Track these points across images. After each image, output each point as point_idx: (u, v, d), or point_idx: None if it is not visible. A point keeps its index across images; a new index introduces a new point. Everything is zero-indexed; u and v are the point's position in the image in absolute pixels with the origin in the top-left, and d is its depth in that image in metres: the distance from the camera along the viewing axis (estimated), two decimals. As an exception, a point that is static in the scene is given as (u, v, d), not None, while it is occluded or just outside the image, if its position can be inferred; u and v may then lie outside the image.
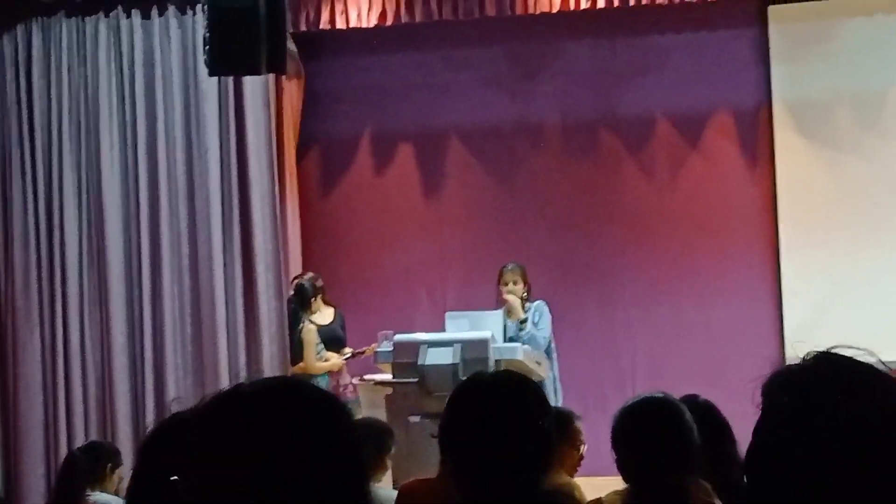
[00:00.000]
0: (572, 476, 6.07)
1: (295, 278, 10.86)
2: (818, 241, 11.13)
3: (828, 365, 1.71)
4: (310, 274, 10.87)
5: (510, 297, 10.00)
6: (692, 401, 4.79)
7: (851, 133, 11.21)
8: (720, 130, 11.58)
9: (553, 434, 2.72)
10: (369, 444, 5.61)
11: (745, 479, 1.74)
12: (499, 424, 2.68)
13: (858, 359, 1.74)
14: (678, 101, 11.61)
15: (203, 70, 9.97)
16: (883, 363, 1.75)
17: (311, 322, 10.58)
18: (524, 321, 9.90)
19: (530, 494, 2.63)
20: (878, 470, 1.60)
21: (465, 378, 2.86)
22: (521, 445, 2.64)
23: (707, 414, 4.65)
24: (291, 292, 10.77)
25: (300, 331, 10.53)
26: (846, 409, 1.64)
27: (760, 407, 1.75)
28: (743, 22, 11.53)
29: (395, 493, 5.52)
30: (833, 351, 1.75)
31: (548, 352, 9.94)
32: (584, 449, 6.15)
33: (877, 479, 1.60)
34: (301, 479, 1.70)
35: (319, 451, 1.73)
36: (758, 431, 1.71)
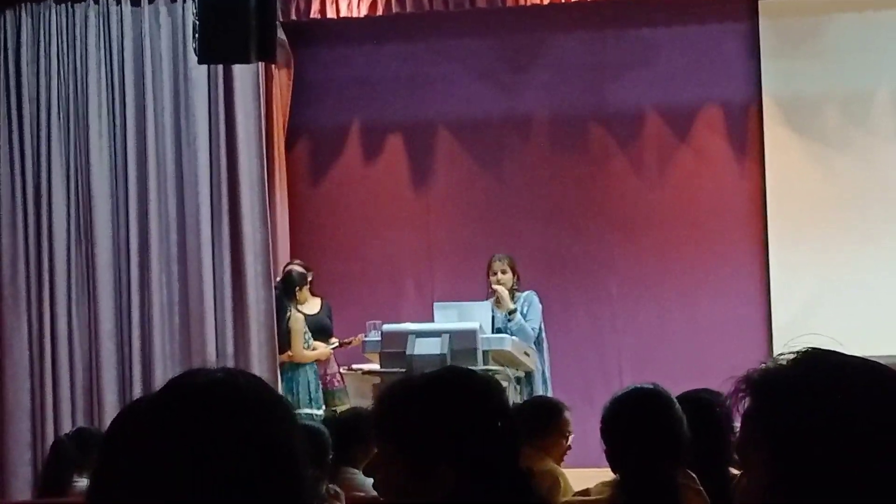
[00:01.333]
0: (559, 464, 6.11)
1: (287, 265, 10.87)
2: (807, 237, 11.16)
3: (817, 360, 1.71)
4: (299, 263, 10.88)
5: (499, 288, 10.00)
6: (696, 396, 4.80)
7: (841, 129, 11.23)
8: (710, 125, 11.60)
9: (513, 432, 2.64)
10: (320, 441, 5.62)
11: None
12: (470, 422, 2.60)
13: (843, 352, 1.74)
14: (668, 95, 11.62)
15: (192, 58, 9.96)
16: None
17: (299, 311, 10.59)
18: (513, 312, 9.90)
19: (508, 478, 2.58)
20: (877, 464, 1.60)
21: (389, 389, 2.71)
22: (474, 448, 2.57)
23: (710, 410, 4.68)
24: (279, 279, 10.78)
25: (287, 319, 10.54)
26: (839, 404, 1.64)
27: (742, 400, 1.73)
28: (733, 16, 11.54)
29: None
30: (818, 347, 1.74)
31: (538, 343, 9.94)
32: (571, 438, 6.20)
33: (874, 473, 1.60)
34: (230, 479, 1.71)
35: (251, 449, 1.73)
36: (754, 432, 1.70)
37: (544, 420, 6.04)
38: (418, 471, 2.54)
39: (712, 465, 4.33)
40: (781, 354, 1.73)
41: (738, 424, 1.77)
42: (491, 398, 2.63)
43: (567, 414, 6.20)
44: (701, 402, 4.70)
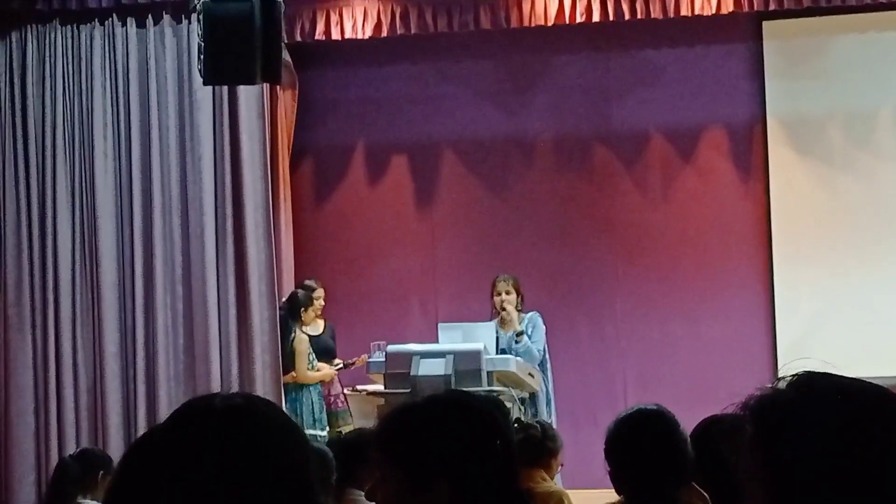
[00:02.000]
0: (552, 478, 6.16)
1: (302, 285, 10.89)
2: (811, 258, 11.15)
3: (814, 384, 1.70)
4: (312, 280, 10.89)
5: (509, 308, 10.00)
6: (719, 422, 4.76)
7: (844, 149, 11.24)
8: (714, 146, 11.61)
9: (510, 453, 2.68)
10: (348, 459, 5.61)
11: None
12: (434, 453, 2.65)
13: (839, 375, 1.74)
14: (672, 115, 11.63)
15: (197, 79, 9.96)
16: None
17: (303, 332, 10.59)
18: (520, 333, 9.90)
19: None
20: (882, 484, 1.60)
21: (392, 410, 2.79)
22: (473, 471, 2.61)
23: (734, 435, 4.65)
24: (284, 300, 10.79)
25: (292, 341, 10.54)
26: (837, 428, 1.63)
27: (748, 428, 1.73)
28: (737, 37, 11.56)
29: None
30: (814, 371, 1.74)
31: (541, 364, 9.95)
32: (561, 456, 6.29)
33: (874, 497, 1.60)
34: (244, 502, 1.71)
35: (268, 475, 1.74)
36: (758, 459, 1.70)
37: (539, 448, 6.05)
38: (415, 487, 2.58)
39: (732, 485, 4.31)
40: (779, 379, 1.73)
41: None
42: (490, 419, 2.66)
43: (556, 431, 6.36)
44: (724, 429, 4.66)
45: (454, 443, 2.60)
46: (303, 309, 10.62)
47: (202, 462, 1.73)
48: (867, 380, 1.72)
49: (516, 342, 9.77)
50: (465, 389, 2.87)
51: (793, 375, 1.72)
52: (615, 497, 3.76)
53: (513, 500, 2.63)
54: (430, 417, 2.68)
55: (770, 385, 1.72)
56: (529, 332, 9.98)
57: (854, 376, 1.73)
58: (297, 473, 1.78)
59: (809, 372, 1.72)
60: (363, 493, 6.27)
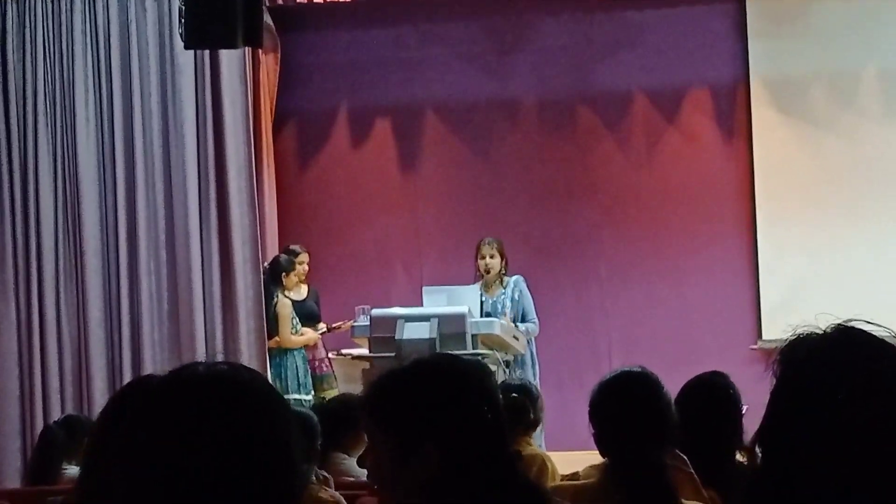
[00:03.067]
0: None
1: (286, 249, 10.87)
2: (795, 217, 11.17)
3: (849, 336, 1.73)
4: (297, 247, 10.87)
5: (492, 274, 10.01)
6: (711, 380, 4.80)
7: (828, 110, 11.25)
8: (697, 106, 11.60)
9: (498, 415, 2.68)
10: (315, 433, 5.61)
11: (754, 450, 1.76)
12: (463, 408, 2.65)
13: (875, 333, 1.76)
14: (655, 76, 11.61)
15: (179, 44, 9.92)
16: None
17: (286, 297, 10.58)
18: (514, 321, 9.84)
19: (498, 463, 2.62)
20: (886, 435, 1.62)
21: (379, 377, 2.78)
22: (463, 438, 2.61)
23: (724, 392, 4.69)
24: (266, 265, 10.78)
25: (274, 305, 10.53)
26: (868, 381, 1.66)
27: (776, 373, 1.75)
28: (720, -3, 11.55)
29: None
30: (851, 324, 1.77)
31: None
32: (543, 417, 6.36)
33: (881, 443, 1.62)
34: (227, 470, 1.71)
35: (250, 442, 1.74)
36: (776, 399, 1.72)
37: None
38: (404, 452, 2.57)
39: (718, 449, 4.33)
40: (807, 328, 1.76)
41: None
42: (477, 382, 2.66)
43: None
44: (715, 386, 4.70)
45: (441, 406, 2.59)
46: (284, 274, 10.60)
47: (185, 430, 1.72)
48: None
49: (515, 338, 9.64)
50: (450, 352, 2.86)
51: (830, 324, 1.77)
52: (599, 459, 3.76)
53: (503, 462, 2.63)
54: (417, 381, 2.67)
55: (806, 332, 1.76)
56: (516, 297, 9.98)
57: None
58: (279, 441, 1.78)
59: (844, 323, 1.77)
60: (347, 457, 6.30)
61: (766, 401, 1.75)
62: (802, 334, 1.75)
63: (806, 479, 1.64)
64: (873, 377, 1.66)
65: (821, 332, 1.74)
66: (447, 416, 2.59)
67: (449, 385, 2.64)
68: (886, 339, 1.75)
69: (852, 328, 1.75)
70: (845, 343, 1.72)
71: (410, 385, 2.67)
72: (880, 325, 1.78)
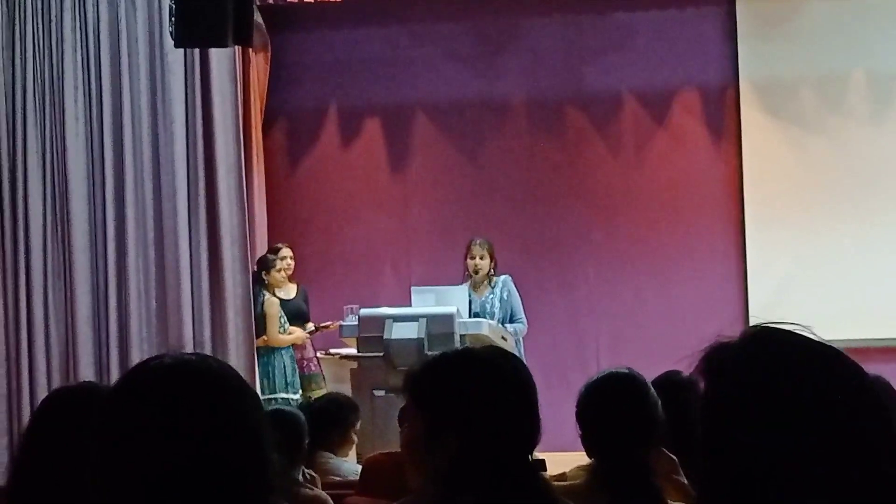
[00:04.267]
0: None
1: (273, 249, 10.87)
2: (783, 219, 11.20)
3: (766, 339, 1.70)
4: (279, 244, 10.86)
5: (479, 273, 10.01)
6: (674, 378, 4.84)
7: (817, 112, 11.28)
8: (687, 108, 11.62)
9: (537, 406, 2.72)
10: (291, 427, 5.60)
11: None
12: (506, 396, 2.67)
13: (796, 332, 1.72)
14: (645, 78, 11.63)
15: (169, 42, 9.92)
16: (817, 336, 1.74)
17: (274, 296, 10.58)
18: (502, 322, 9.84)
19: (522, 465, 2.63)
20: (827, 443, 1.60)
21: (431, 356, 2.83)
22: (518, 419, 2.64)
23: (691, 391, 4.70)
24: (255, 264, 10.77)
25: (262, 304, 10.53)
26: (790, 383, 1.63)
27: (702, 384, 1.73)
28: (710, 0, 11.56)
29: (360, 467, 5.54)
30: (768, 325, 1.73)
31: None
32: None
33: (826, 454, 1.59)
34: (196, 456, 1.71)
35: (218, 428, 1.74)
36: (705, 410, 1.71)
37: None
38: (430, 433, 2.63)
39: (692, 448, 4.34)
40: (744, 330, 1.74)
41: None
42: (514, 382, 2.68)
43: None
44: (679, 385, 4.72)
45: (469, 398, 2.62)
46: (265, 272, 10.59)
47: (152, 416, 1.73)
48: (839, 341, 1.73)
49: (503, 338, 9.65)
50: (503, 350, 2.89)
51: (749, 328, 1.73)
52: (586, 460, 3.77)
53: (520, 466, 2.63)
54: (454, 369, 2.72)
55: (721, 340, 1.73)
56: (505, 297, 9.99)
57: (823, 337, 1.73)
58: (248, 430, 1.78)
59: (763, 326, 1.74)
60: (334, 457, 6.30)
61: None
62: (718, 343, 1.72)
63: (755, 487, 1.62)
64: (798, 376, 1.63)
65: (737, 338, 1.71)
66: (473, 409, 2.62)
67: (483, 379, 2.67)
68: (806, 336, 1.70)
69: (771, 331, 1.72)
70: (765, 345, 1.69)
71: (448, 371, 2.72)
72: (793, 323, 1.74)
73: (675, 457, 3.99)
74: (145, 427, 1.73)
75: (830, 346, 1.69)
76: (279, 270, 10.66)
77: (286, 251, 10.79)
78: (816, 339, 1.70)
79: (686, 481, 3.98)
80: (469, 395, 2.63)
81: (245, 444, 1.76)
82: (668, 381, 4.86)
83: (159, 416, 1.73)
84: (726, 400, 1.65)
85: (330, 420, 6.37)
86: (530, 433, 2.67)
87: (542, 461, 2.75)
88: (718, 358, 1.70)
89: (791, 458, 1.59)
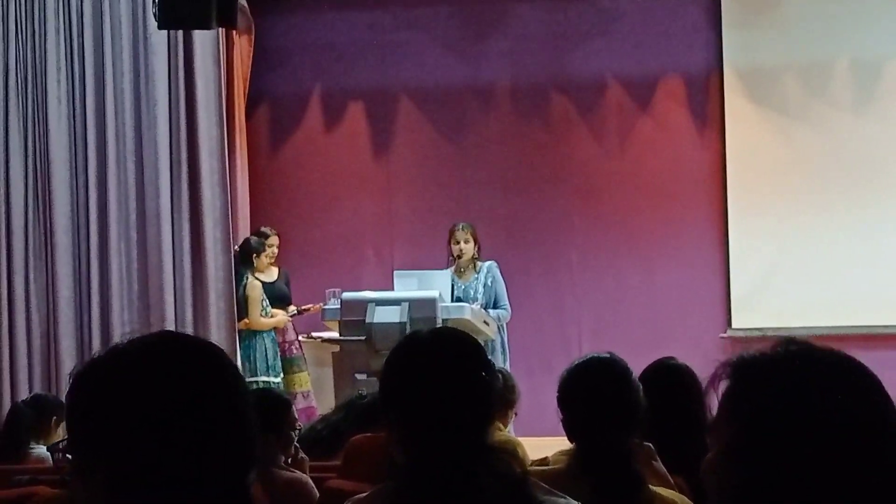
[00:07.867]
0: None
1: (256, 231, 10.87)
2: (766, 207, 11.22)
3: (797, 351, 1.75)
4: (267, 229, 10.86)
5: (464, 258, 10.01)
6: (666, 364, 4.87)
7: (800, 99, 11.30)
8: (671, 95, 11.62)
9: (495, 387, 2.68)
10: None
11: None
12: (440, 380, 2.63)
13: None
14: (629, 64, 11.63)
15: (152, 23, 9.88)
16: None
17: (256, 279, 10.57)
18: (486, 307, 9.85)
19: (475, 449, 2.58)
20: (858, 458, 1.65)
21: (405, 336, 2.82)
22: (463, 400, 2.60)
23: (680, 377, 4.74)
24: (237, 247, 10.76)
25: (244, 287, 10.52)
26: (809, 394, 1.68)
27: (721, 381, 1.76)
28: (695, -13, 11.57)
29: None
30: (797, 338, 1.78)
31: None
32: (517, 406, 6.33)
33: (855, 468, 1.64)
34: (180, 431, 1.71)
35: (200, 404, 1.74)
36: (742, 422, 1.73)
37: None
38: (387, 416, 2.63)
39: (682, 434, 4.35)
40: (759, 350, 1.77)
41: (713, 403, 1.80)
42: (459, 365, 2.65)
43: (514, 381, 6.41)
44: (670, 370, 4.75)
45: (409, 382, 2.63)
46: (255, 255, 10.60)
47: (132, 392, 1.73)
48: (820, 328, 1.76)
49: (486, 323, 9.64)
50: (459, 330, 2.86)
51: (778, 341, 1.77)
52: (568, 445, 3.77)
53: (471, 451, 2.59)
54: (396, 354, 2.72)
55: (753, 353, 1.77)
56: (489, 282, 9.99)
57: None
58: (229, 406, 1.77)
59: (792, 338, 1.77)
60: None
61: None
62: (749, 354, 1.76)
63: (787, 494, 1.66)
64: (810, 392, 1.68)
65: (769, 352, 1.76)
66: (410, 395, 2.61)
67: (424, 363, 2.65)
68: (835, 355, 1.76)
69: (800, 343, 1.77)
70: (790, 359, 1.73)
71: (393, 357, 2.71)
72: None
73: (650, 444, 3.99)
74: (123, 404, 1.73)
75: (857, 361, 1.75)
76: (267, 256, 10.69)
77: (274, 239, 10.82)
78: (843, 354, 1.76)
79: (663, 468, 3.99)
80: (408, 378, 2.64)
81: (227, 421, 1.76)
82: (664, 367, 4.89)
83: (139, 391, 1.73)
84: (762, 414, 1.69)
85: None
86: (481, 412, 2.65)
87: (491, 445, 2.69)
88: (749, 363, 1.75)
89: (817, 472, 1.65)
